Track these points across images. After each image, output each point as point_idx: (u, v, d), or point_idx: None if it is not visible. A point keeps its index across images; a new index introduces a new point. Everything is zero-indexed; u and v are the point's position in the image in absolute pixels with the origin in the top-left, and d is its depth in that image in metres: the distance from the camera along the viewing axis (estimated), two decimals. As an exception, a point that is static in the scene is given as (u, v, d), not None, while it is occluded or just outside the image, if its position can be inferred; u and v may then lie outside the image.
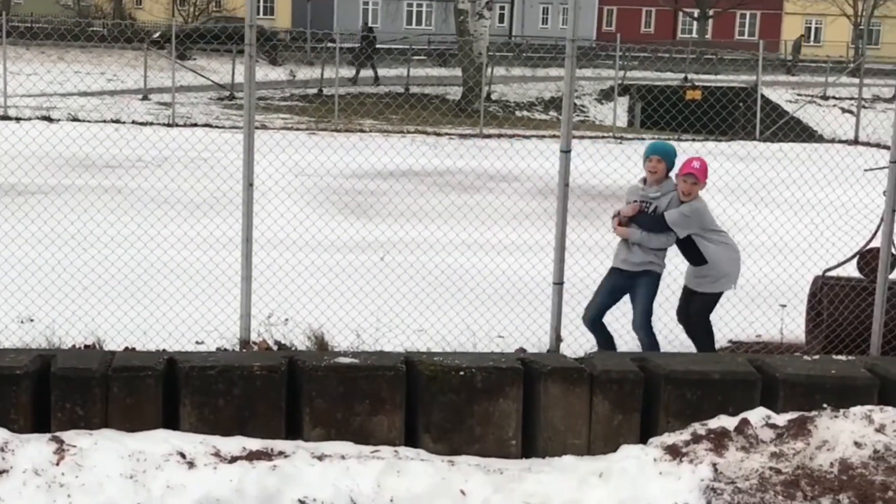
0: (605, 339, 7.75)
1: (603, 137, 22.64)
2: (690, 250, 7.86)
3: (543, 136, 20.74)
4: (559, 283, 7.90)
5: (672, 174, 7.72)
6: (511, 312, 8.72)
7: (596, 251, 10.23)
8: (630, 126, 31.22)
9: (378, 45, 34.27)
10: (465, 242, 10.89)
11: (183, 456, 5.33)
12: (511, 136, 21.07)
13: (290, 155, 12.46)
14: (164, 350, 6.59)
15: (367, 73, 32.04)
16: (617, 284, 7.81)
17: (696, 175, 7.59)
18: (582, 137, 20.95)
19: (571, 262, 8.49)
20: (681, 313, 8.11)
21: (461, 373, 5.75)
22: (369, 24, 43.52)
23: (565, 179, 7.70)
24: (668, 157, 7.74)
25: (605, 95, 32.88)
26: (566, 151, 7.57)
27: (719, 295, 8.10)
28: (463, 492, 5.23)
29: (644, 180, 7.75)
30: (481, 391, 5.74)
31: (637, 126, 31.02)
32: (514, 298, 9.00)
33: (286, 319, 8.03)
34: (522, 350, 7.27)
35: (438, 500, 5.15)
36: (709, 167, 7.76)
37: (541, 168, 10.71)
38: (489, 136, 21.14)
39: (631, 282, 7.71)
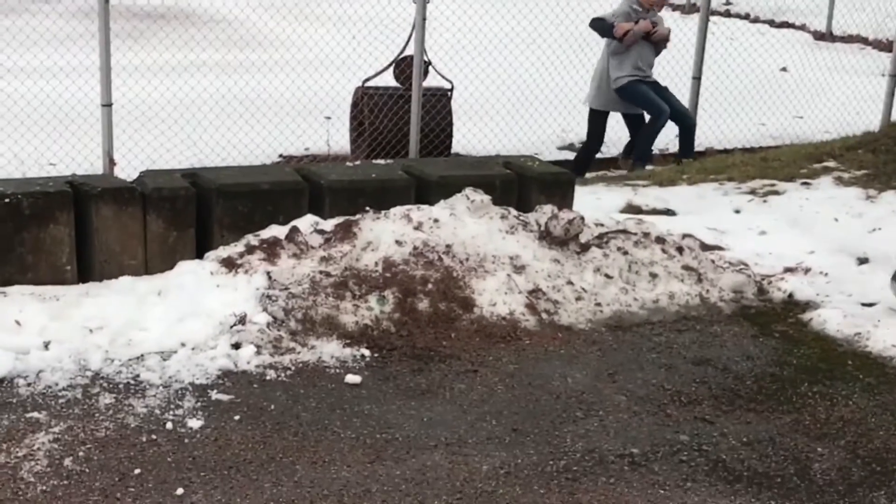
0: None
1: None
2: None
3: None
4: (108, 105, 7.77)
5: None
6: (60, 139, 8.47)
7: (143, 70, 10.08)
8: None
9: None
10: (6, 67, 10.33)
11: None
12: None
13: None
14: None
15: None
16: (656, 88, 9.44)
17: None
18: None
19: (119, 82, 8.34)
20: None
21: (6, 200, 5.54)
22: None
23: (106, -3, 7.51)
24: None
25: None
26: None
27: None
28: (18, 322, 5.14)
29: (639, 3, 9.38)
30: (30, 218, 5.57)
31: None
32: (62, 123, 8.72)
33: None
34: (76, 176, 7.15)
35: (-7, 332, 5.05)
36: None
37: (80, -15, 10.27)
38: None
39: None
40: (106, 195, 5.73)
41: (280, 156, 9.48)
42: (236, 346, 5.16)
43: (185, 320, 5.30)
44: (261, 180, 6.14)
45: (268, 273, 5.61)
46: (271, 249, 5.79)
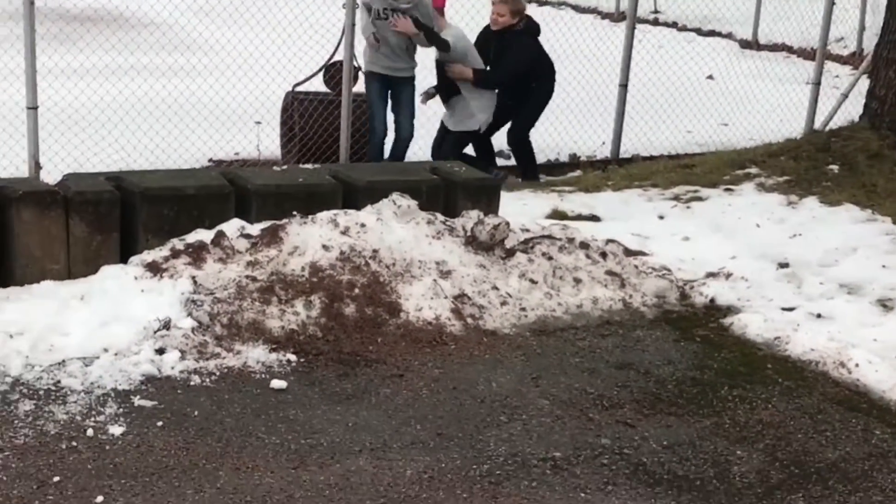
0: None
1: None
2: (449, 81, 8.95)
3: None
4: (33, 108, 7.69)
5: None
6: (-17, 141, 8.34)
7: (69, 73, 9.97)
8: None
9: None
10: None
11: None
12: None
13: None
14: None
15: None
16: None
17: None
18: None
19: (45, 85, 8.23)
20: (436, 149, 9.04)
21: (-75, 204, 5.47)
22: None
23: (30, -2, 7.45)
24: None
25: None
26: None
27: (469, 134, 8.99)
28: (-63, 327, 5.08)
29: None
30: (-52, 221, 5.50)
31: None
32: (-16, 126, 8.60)
33: None
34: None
35: None
36: None
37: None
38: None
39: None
40: (27, 198, 5.66)
41: (210, 160, 9.42)
42: (160, 351, 5.12)
43: (108, 325, 5.25)
44: (186, 184, 6.10)
45: (193, 277, 5.58)
46: (197, 254, 5.76)
